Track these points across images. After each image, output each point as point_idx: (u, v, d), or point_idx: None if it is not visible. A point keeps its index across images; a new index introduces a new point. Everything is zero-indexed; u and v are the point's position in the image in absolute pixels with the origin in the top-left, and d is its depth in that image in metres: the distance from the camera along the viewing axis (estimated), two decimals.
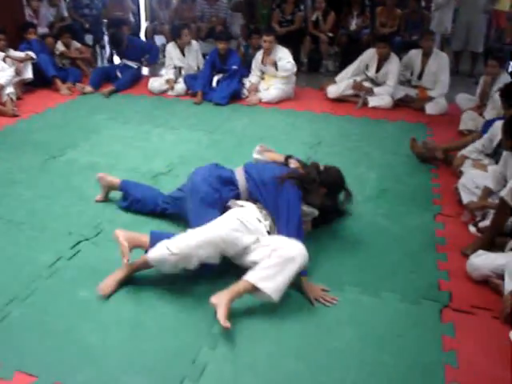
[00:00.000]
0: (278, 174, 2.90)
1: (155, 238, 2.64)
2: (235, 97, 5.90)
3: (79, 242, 3.01)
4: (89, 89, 6.08)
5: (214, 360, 2.20)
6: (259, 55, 6.03)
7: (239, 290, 2.41)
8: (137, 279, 2.68)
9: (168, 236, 2.60)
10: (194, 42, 6.31)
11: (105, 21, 8.04)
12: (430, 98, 5.70)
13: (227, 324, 2.26)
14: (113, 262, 2.81)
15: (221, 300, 2.35)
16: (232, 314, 2.42)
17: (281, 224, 2.74)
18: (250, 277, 2.43)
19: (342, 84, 5.98)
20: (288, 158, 3.21)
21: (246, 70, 6.22)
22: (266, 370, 2.16)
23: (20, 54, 5.87)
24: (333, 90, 5.98)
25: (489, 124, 4.02)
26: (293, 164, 3.15)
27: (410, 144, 4.35)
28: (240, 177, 3.04)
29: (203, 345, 2.27)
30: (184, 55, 6.23)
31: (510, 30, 8.18)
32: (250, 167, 3.10)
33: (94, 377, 2.10)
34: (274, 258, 2.44)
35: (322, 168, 3.07)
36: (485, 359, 2.25)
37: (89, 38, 7.77)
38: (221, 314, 2.29)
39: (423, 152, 4.27)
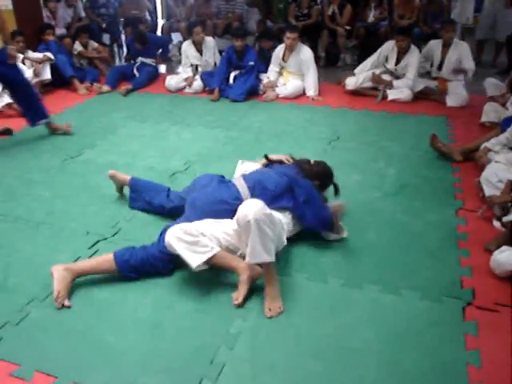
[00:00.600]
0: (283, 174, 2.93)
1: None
2: (252, 93, 5.88)
3: (97, 242, 3.02)
4: (106, 88, 6.11)
5: (232, 360, 2.18)
6: (280, 51, 5.97)
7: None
8: (154, 279, 2.68)
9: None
10: (209, 39, 6.30)
11: (121, 20, 8.08)
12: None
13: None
14: None
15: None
16: (249, 315, 2.42)
17: (308, 218, 2.85)
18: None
19: (360, 76, 5.92)
20: (266, 156, 3.27)
21: (262, 65, 6.18)
22: (285, 370, 2.13)
23: (38, 56, 5.93)
24: (351, 82, 5.92)
25: (508, 120, 3.94)
26: (275, 157, 3.25)
27: (429, 141, 4.25)
28: (242, 188, 2.89)
29: (221, 345, 2.25)
30: (200, 53, 6.21)
31: None
32: (249, 178, 2.99)
33: (112, 377, 2.10)
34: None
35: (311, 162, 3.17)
36: (510, 358, 2.18)
37: (106, 38, 7.81)
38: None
39: (443, 149, 4.19)
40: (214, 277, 2.68)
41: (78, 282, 2.65)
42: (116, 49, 8.25)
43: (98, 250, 2.94)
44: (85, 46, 6.68)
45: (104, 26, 7.69)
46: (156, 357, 2.19)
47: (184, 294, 2.58)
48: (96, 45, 6.86)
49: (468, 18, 7.23)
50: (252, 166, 3.31)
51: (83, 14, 7.59)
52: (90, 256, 2.87)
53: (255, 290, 2.58)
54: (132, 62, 6.60)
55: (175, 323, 2.38)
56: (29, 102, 4.55)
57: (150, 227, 3.16)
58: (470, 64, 5.61)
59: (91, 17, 7.65)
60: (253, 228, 2.37)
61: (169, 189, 3.31)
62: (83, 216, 3.31)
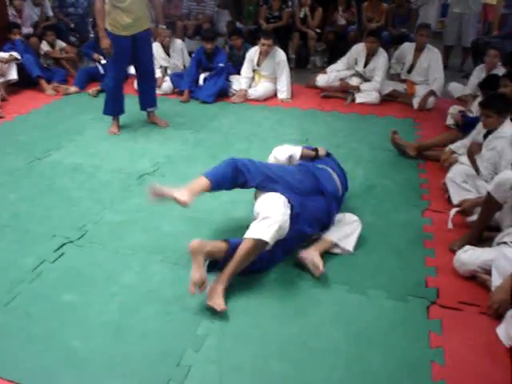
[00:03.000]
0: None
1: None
2: (222, 95, 5.86)
3: (63, 245, 2.98)
4: (73, 89, 6.01)
5: (199, 362, 2.17)
6: (254, 55, 5.96)
7: (324, 246, 2.84)
8: (120, 282, 2.65)
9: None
10: (177, 41, 6.25)
11: (91, 20, 7.95)
12: (430, 93, 5.67)
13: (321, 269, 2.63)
14: (97, 264, 2.81)
15: (311, 254, 2.71)
16: (216, 316, 2.42)
17: None
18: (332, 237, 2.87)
19: (332, 74, 5.97)
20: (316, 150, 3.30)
21: (232, 67, 6.17)
22: (251, 371, 2.14)
23: (4, 55, 5.79)
24: (322, 79, 5.99)
25: (469, 121, 4.05)
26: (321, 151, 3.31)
27: (390, 137, 4.35)
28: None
29: (187, 347, 2.24)
30: (168, 54, 6.16)
31: (497, 23, 8.21)
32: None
33: (77, 381, 2.07)
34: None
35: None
36: (472, 356, 2.23)
37: (74, 38, 7.67)
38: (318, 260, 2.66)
39: (400, 143, 4.30)
40: (182, 279, 2.67)
41: (40, 285, 2.61)
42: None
43: (63, 253, 2.89)
44: (52, 45, 6.56)
45: (72, 25, 7.56)
46: (122, 361, 2.17)
47: (151, 296, 2.56)
48: (64, 45, 6.74)
49: (432, 23, 7.33)
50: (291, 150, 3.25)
51: (51, 13, 7.45)
52: (55, 260, 2.83)
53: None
54: (100, 62, 6.49)
55: (141, 326, 2.36)
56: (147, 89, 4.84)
57: (117, 230, 3.14)
58: (438, 74, 5.67)
59: (59, 16, 7.52)
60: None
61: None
62: (49, 219, 3.26)
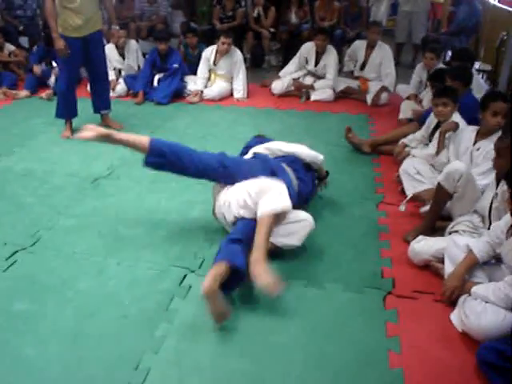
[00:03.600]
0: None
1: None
2: (177, 95, 5.82)
3: (15, 252, 2.89)
4: (24, 93, 5.86)
5: (158, 364, 2.14)
6: (211, 54, 5.94)
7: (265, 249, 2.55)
8: (76, 288, 2.60)
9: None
10: (132, 42, 6.18)
11: (40, 22, 7.76)
12: (382, 88, 5.77)
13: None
14: (51, 270, 2.74)
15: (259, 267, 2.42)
16: (173, 316, 2.40)
17: None
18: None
19: (286, 80, 6.00)
20: None
21: (187, 67, 6.14)
22: (212, 370, 2.12)
23: None
24: (278, 87, 5.99)
25: (426, 114, 4.14)
26: None
27: (345, 133, 4.41)
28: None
29: (146, 349, 2.21)
30: (123, 56, 6.08)
31: (446, 20, 8.43)
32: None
33: None
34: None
35: None
36: (427, 342, 2.29)
37: (24, 41, 7.48)
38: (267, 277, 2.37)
39: (354, 141, 4.38)
40: (138, 281, 2.64)
41: None
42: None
43: (16, 261, 2.81)
44: (0, 48, 6.38)
45: (21, 28, 7.36)
46: (79, 366, 2.13)
47: (107, 300, 2.51)
48: (13, 48, 6.56)
49: (381, 21, 7.45)
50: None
51: None
52: (7, 268, 2.74)
53: (180, 290, 2.56)
54: (51, 65, 6.34)
55: (98, 331, 2.32)
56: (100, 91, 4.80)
57: (72, 235, 3.07)
58: (389, 69, 5.80)
59: (6, 18, 7.30)
60: None
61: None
62: None
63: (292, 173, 3.05)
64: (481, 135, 3.18)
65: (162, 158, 2.84)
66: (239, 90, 5.88)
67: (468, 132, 3.29)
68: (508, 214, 2.38)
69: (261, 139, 3.46)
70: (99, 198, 3.53)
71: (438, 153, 3.47)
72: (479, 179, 2.91)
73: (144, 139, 2.85)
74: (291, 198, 2.73)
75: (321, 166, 3.38)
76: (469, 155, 3.17)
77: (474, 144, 3.19)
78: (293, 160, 3.17)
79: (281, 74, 6.17)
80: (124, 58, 6.08)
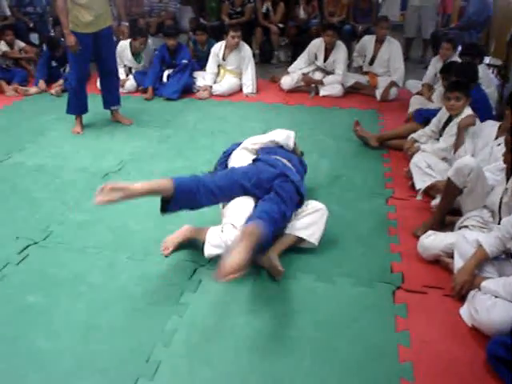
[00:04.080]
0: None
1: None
2: (186, 91, 5.83)
3: (27, 247, 2.92)
4: (34, 90, 5.89)
5: (168, 357, 2.16)
6: (220, 49, 5.95)
7: (285, 245, 2.78)
8: (87, 282, 2.62)
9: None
10: (149, 43, 6.15)
11: (50, 19, 7.81)
12: (391, 83, 5.75)
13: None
14: (62, 264, 2.77)
15: (268, 258, 2.63)
16: (184, 310, 2.42)
17: None
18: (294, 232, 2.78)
19: (295, 75, 5.99)
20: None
21: (196, 63, 6.15)
22: (221, 363, 2.14)
23: None
24: (287, 82, 5.98)
25: (423, 112, 4.21)
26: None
27: (353, 126, 4.42)
28: None
29: (157, 343, 2.23)
30: (136, 57, 6.05)
31: (456, 15, 8.38)
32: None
33: (45, 383, 2.04)
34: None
35: None
36: (437, 337, 2.29)
37: (34, 37, 7.52)
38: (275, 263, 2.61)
39: (362, 134, 4.38)
40: (149, 275, 2.66)
41: (5, 288, 2.56)
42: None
43: (28, 255, 2.84)
44: (10, 45, 6.42)
45: (31, 25, 7.40)
46: (90, 359, 2.15)
47: (118, 294, 2.54)
48: (23, 44, 6.60)
49: (394, 16, 7.43)
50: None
51: (8, 13, 7.28)
52: (20, 262, 2.78)
53: (191, 284, 2.58)
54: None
55: (110, 324, 2.34)
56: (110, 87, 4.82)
57: (83, 229, 3.10)
58: (398, 64, 5.78)
59: (17, 15, 7.34)
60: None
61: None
62: (12, 221, 3.19)
63: (292, 166, 3.01)
64: (503, 131, 3.11)
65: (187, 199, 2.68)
66: (248, 85, 5.88)
67: (488, 127, 3.26)
68: None
69: (237, 144, 3.36)
70: None
71: (456, 148, 3.43)
72: (498, 174, 2.87)
73: (165, 181, 2.64)
74: (303, 193, 2.86)
75: (295, 146, 3.35)
76: (488, 150, 3.14)
77: (496, 139, 3.16)
78: (278, 150, 3.17)
79: (290, 69, 6.16)
80: (137, 60, 6.06)
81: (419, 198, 3.37)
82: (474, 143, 3.32)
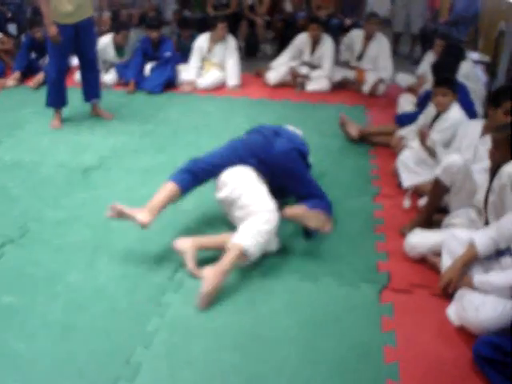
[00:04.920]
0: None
1: None
2: (169, 85, 5.72)
3: (3, 245, 2.83)
4: (11, 82, 5.74)
5: (149, 359, 2.11)
6: (204, 42, 5.85)
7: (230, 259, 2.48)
8: (65, 281, 2.54)
9: None
10: (131, 36, 6.02)
11: (29, 8, 7.63)
12: (379, 80, 5.71)
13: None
14: (40, 263, 2.70)
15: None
16: (165, 311, 2.36)
17: None
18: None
19: (281, 69, 5.92)
20: None
21: (180, 56, 6.05)
22: (203, 364, 2.09)
23: None
24: (272, 77, 5.90)
25: (404, 116, 4.23)
26: None
27: (339, 121, 4.39)
28: None
29: (137, 344, 2.17)
30: (119, 52, 5.92)
31: (445, 10, 8.36)
32: None
33: None
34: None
35: None
36: (423, 337, 2.26)
37: (12, 28, 7.34)
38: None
39: (345, 123, 4.36)
40: (130, 275, 2.59)
41: None
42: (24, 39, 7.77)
43: (3, 254, 2.76)
44: None
45: (9, 15, 7.22)
46: (68, 361, 2.09)
47: (98, 294, 2.47)
48: (0, 35, 6.43)
49: (384, 10, 7.37)
50: None
51: None
52: None
53: (172, 284, 2.52)
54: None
55: (89, 325, 2.28)
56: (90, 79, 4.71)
57: (62, 227, 3.02)
58: (387, 62, 5.73)
59: None
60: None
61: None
62: None
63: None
64: (487, 130, 3.06)
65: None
66: (231, 77, 5.79)
67: (472, 126, 3.23)
68: None
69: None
70: (89, 190, 3.46)
71: (433, 156, 3.44)
72: (483, 173, 2.84)
73: (170, 186, 2.78)
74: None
75: None
76: (473, 149, 3.11)
77: (481, 138, 3.12)
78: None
79: (273, 64, 6.07)
80: (120, 54, 5.92)
81: (407, 204, 3.31)
82: (458, 142, 3.28)
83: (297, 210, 2.75)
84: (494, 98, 3.09)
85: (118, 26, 5.81)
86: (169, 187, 2.76)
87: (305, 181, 3.01)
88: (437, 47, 5.05)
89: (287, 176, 2.93)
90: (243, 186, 2.75)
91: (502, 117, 2.98)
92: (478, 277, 2.31)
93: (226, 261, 2.44)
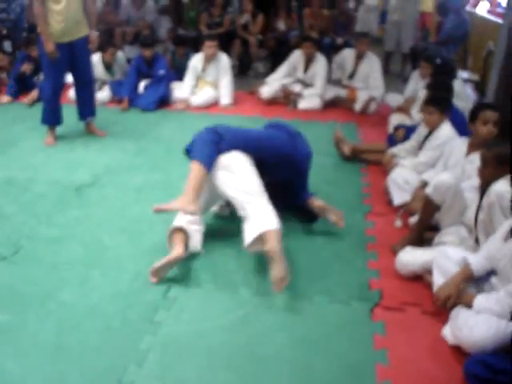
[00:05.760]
0: None
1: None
2: (163, 102, 5.76)
3: None
4: (6, 99, 5.77)
5: (142, 378, 2.09)
6: (198, 61, 5.91)
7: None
8: (58, 299, 2.54)
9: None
10: (119, 55, 6.07)
11: (26, 25, 7.68)
12: (371, 98, 5.78)
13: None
14: (32, 281, 2.69)
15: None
16: (158, 329, 2.36)
17: None
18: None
19: (274, 84, 5.99)
20: None
21: (174, 74, 6.10)
22: (197, 383, 2.08)
23: None
24: (266, 91, 5.98)
25: (390, 139, 4.29)
26: None
27: (334, 137, 4.44)
28: None
29: (130, 362, 2.16)
30: (109, 70, 5.98)
31: (435, 30, 8.50)
32: None
33: None
34: None
35: None
36: (416, 355, 2.26)
37: (7, 45, 7.37)
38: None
39: (340, 140, 4.41)
40: (123, 293, 2.59)
41: None
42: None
43: None
44: None
45: (5, 32, 7.26)
46: (60, 380, 2.07)
47: (90, 312, 2.46)
48: None
49: (371, 29, 7.48)
50: None
51: None
52: None
53: (165, 302, 2.52)
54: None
55: (80, 344, 2.26)
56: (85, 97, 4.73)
57: (55, 245, 3.02)
58: (378, 82, 5.80)
59: None
60: None
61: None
62: None
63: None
64: (473, 147, 3.13)
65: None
66: (224, 96, 5.84)
67: (459, 144, 3.28)
68: (505, 223, 2.36)
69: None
70: (83, 207, 3.47)
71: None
72: (472, 192, 2.88)
73: (197, 169, 2.82)
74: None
75: None
76: (460, 167, 3.15)
77: (467, 156, 3.18)
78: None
79: (268, 80, 6.15)
80: (110, 73, 5.98)
81: (398, 224, 3.34)
82: (444, 160, 3.32)
83: (322, 203, 3.17)
84: (471, 114, 3.16)
85: (103, 44, 5.80)
86: (197, 169, 2.79)
87: (306, 178, 3.30)
88: (422, 69, 5.12)
89: (298, 174, 3.23)
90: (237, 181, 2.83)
91: (481, 127, 3.04)
92: (479, 300, 2.28)
93: (276, 246, 2.54)
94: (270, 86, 5.98)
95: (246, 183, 2.78)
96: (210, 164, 2.81)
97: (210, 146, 2.88)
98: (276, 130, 3.30)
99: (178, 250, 2.70)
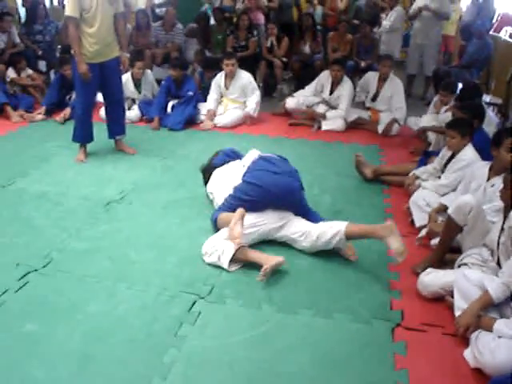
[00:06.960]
0: None
1: None
2: (190, 122, 5.89)
3: (27, 274, 2.92)
4: (39, 117, 5.96)
5: None
6: (221, 79, 6.05)
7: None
8: (85, 311, 2.62)
9: None
10: (148, 73, 6.25)
11: (58, 47, 7.95)
12: (393, 120, 5.82)
13: None
14: (61, 292, 2.77)
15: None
16: (182, 343, 2.41)
17: None
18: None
19: (300, 97, 6.11)
20: None
21: (201, 95, 6.24)
22: None
23: None
24: (292, 102, 6.13)
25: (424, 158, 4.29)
26: None
27: (354, 159, 4.46)
28: None
29: (154, 375, 2.22)
30: (138, 87, 6.15)
31: (457, 53, 8.53)
32: None
33: None
34: None
35: None
36: (436, 376, 2.27)
37: (42, 64, 7.65)
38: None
39: (361, 163, 4.42)
40: (148, 306, 2.66)
41: (3, 315, 2.56)
42: (53, 76, 8.06)
43: (27, 282, 2.84)
44: (18, 72, 6.52)
45: (40, 52, 7.54)
46: None
47: (117, 324, 2.53)
48: (31, 72, 6.70)
49: (393, 52, 7.49)
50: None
51: (18, 40, 7.42)
52: (19, 289, 2.77)
53: (190, 316, 2.57)
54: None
55: (106, 355, 2.33)
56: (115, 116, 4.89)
57: (84, 258, 3.10)
58: (400, 104, 5.85)
59: (26, 43, 7.49)
60: None
61: None
62: (13, 247, 3.20)
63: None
64: (494, 172, 3.14)
65: None
66: (251, 107, 5.96)
67: (481, 168, 3.29)
68: None
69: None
70: (111, 222, 3.56)
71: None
72: (493, 215, 2.89)
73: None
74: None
75: None
76: (482, 191, 3.17)
77: (488, 180, 3.19)
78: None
79: (295, 94, 6.31)
80: (139, 90, 6.15)
81: (418, 242, 3.38)
82: (466, 184, 3.34)
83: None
84: (495, 139, 3.17)
85: (132, 58, 5.92)
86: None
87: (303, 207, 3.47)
88: (441, 97, 5.12)
89: (297, 206, 3.41)
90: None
91: (505, 155, 3.05)
92: (499, 324, 2.29)
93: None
94: (297, 99, 6.12)
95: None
96: None
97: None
98: (272, 166, 3.56)
99: (278, 258, 2.94)
